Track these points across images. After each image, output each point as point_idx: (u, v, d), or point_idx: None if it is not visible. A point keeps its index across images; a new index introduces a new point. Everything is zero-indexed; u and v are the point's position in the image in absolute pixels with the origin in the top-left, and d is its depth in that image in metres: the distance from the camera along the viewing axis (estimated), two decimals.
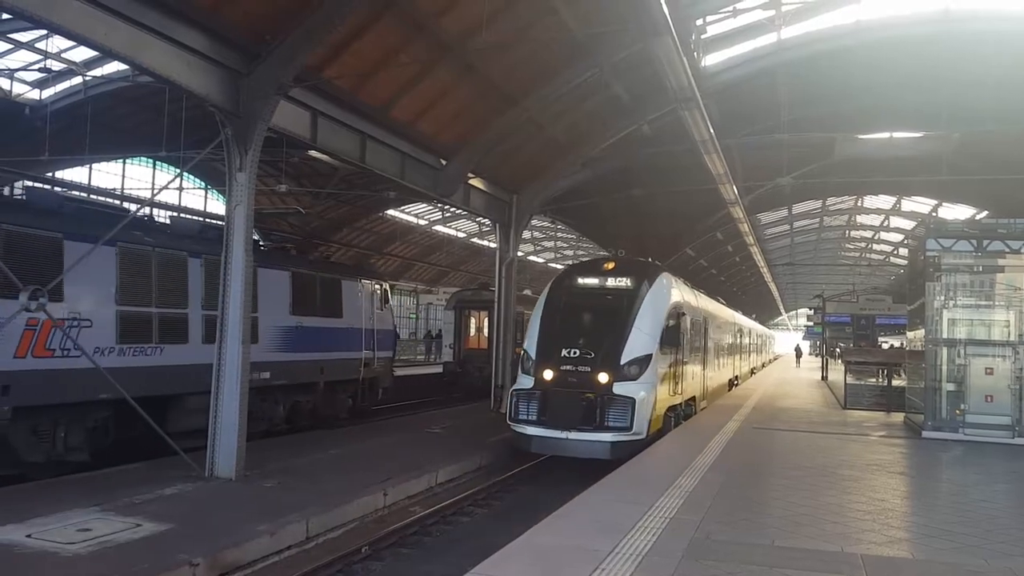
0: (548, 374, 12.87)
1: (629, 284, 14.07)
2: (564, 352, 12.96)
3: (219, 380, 11.04)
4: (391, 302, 21.06)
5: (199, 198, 32.56)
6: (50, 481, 10.39)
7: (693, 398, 16.83)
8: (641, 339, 13.09)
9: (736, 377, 27.50)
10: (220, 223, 18.91)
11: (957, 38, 17.55)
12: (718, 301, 25.60)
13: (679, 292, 15.63)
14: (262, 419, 14.80)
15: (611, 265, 14.75)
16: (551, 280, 15.45)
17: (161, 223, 15.82)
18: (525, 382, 13.09)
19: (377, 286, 19.56)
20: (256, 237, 19.22)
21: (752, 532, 7.10)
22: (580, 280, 14.69)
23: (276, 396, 15.38)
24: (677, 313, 14.74)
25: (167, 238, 13.27)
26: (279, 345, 15.15)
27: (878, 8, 19.79)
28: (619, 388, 12.46)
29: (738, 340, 28.76)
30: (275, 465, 11.80)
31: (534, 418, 12.60)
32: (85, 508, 8.84)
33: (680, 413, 15.29)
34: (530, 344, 13.59)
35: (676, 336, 14.52)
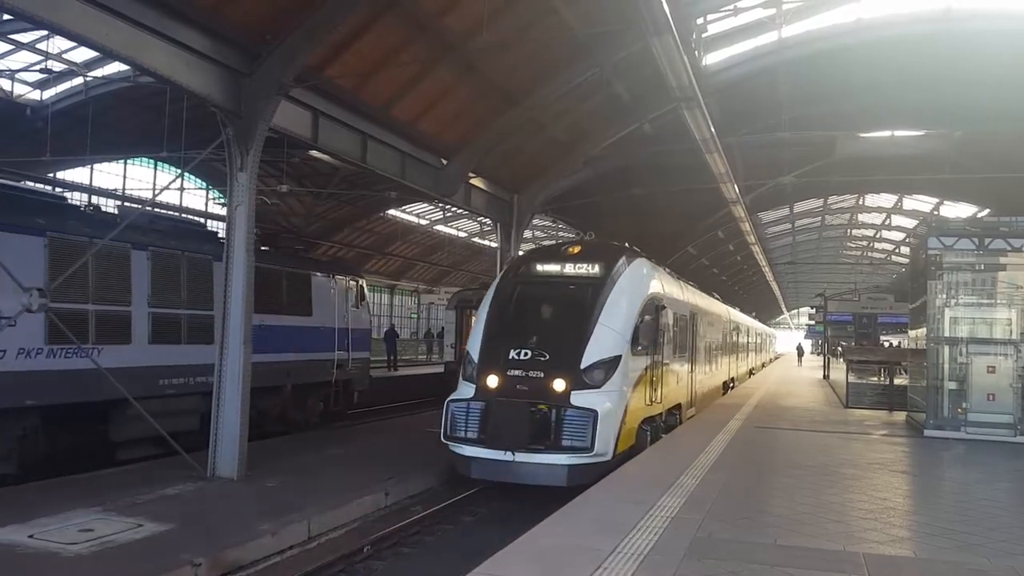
0: (492, 381, 10.66)
1: (596, 271, 11.87)
2: (513, 354, 10.77)
3: (221, 381, 11.06)
4: (368, 299, 20.01)
5: (200, 198, 32.57)
6: (52, 482, 10.39)
7: (678, 406, 14.90)
8: (607, 337, 10.98)
9: (732, 379, 25.86)
10: (173, 214, 18.32)
11: (958, 36, 17.54)
12: (713, 297, 24.00)
13: (659, 282, 13.43)
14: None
15: (576, 249, 12.54)
16: (503, 268, 13.19)
17: (106, 212, 14.64)
18: (465, 391, 10.93)
19: (352, 282, 18.48)
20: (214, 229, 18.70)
21: (754, 531, 7.08)
22: (538, 267, 12.42)
23: None
24: (655, 306, 12.54)
25: (107, 228, 11.88)
26: None
27: (879, 6, 19.84)
28: (578, 398, 10.32)
29: (734, 339, 26.73)
30: (277, 465, 11.81)
31: (474, 435, 10.46)
32: (87, 508, 8.85)
33: (659, 425, 13.18)
34: (473, 345, 11.48)
35: (654, 333, 12.24)
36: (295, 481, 10.82)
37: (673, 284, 15.34)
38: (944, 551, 6.63)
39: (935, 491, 9.88)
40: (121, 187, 28.78)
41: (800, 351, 58.35)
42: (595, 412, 10.18)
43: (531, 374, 10.59)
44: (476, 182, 19.47)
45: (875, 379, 21.89)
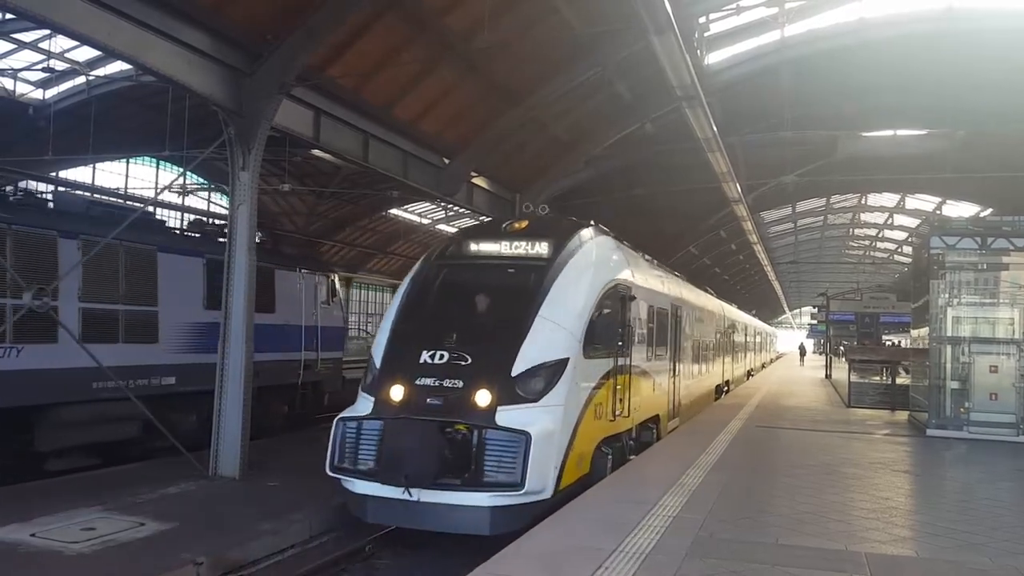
0: (396, 393, 8.32)
1: (542, 252, 9.57)
2: (425, 357, 8.48)
3: (223, 380, 11.09)
4: (340, 295, 18.86)
5: (202, 198, 32.58)
6: (54, 481, 10.41)
7: (655, 418, 12.77)
8: (550, 335, 8.70)
9: (727, 383, 23.93)
10: (113, 200, 17.38)
11: (960, 36, 17.53)
12: (706, 291, 22.11)
13: (628, 267, 11.13)
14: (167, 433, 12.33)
15: (520, 225, 10.24)
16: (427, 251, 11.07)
17: (36, 198, 13.51)
18: (361, 406, 8.57)
19: (322, 278, 17.33)
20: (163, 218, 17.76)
21: (755, 530, 7.08)
22: (470, 247, 10.06)
23: (186, 406, 12.81)
24: (621, 296, 10.26)
25: (30, 213, 11.07)
26: (188, 345, 12.92)
27: (881, 6, 19.82)
28: (506, 416, 7.99)
29: (729, 337, 24.62)
30: (278, 464, 11.81)
31: (369, 466, 8.12)
32: (89, 507, 8.86)
33: (626, 445, 10.95)
34: (378, 345, 9.18)
35: (617, 330, 10.00)
36: (296, 480, 10.81)
37: (649, 271, 13.15)
38: (946, 551, 6.62)
39: (937, 491, 9.87)
40: (124, 186, 28.81)
41: (802, 350, 58.29)
42: (527, 435, 7.82)
43: (447, 383, 8.26)
44: (478, 181, 19.49)
45: (877, 378, 21.88)
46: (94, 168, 27.60)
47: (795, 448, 12.57)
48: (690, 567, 5.88)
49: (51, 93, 22.26)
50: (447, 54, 14.26)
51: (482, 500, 7.84)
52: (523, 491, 7.73)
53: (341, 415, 8.60)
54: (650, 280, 12.72)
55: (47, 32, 18.13)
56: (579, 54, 15.58)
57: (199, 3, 10.29)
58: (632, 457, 10.97)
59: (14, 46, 20.56)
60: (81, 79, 21.38)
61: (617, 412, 10.02)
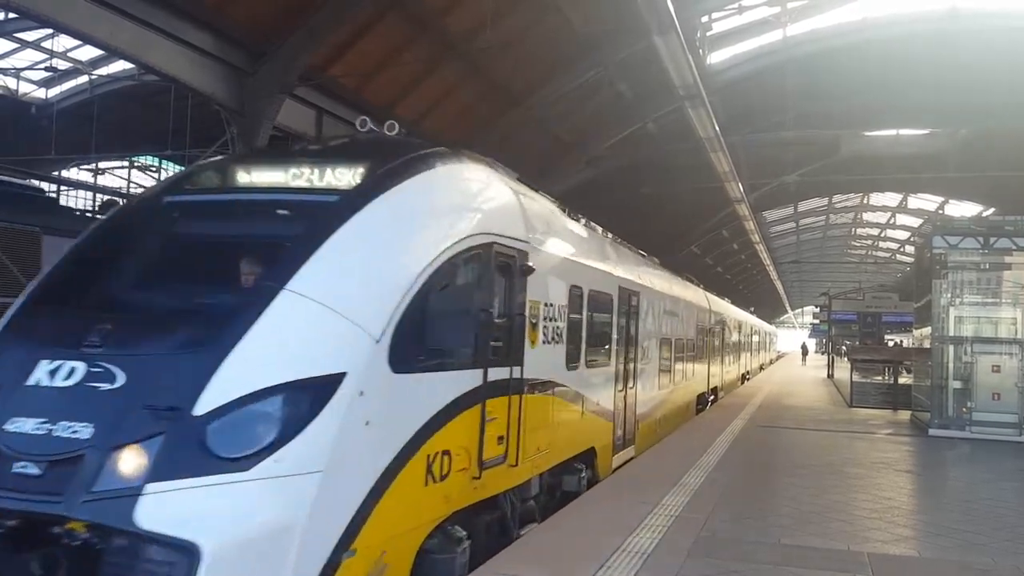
0: None
1: (337, 182, 5.44)
2: (41, 373, 4.25)
3: None
4: None
5: None
6: None
7: (590, 451, 8.94)
8: (306, 326, 4.49)
9: (713, 390, 20.26)
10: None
11: (963, 36, 17.54)
12: (689, 280, 18.37)
13: (521, 218, 6.67)
14: None
15: (332, 144, 6.78)
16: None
17: None
18: None
19: None
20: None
21: (758, 530, 7.07)
22: (224, 174, 5.97)
23: None
24: (499, 264, 6.07)
25: None
26: None
27: (884, 6, 19.80)
28: (160, 505, 3.78)
29: (716, 337, 20.96)
30: None
31: None
32: None
33: (511, 512, 6.76)
34: None
35: (485, 320, 5.85)
36: None
37: (575, 235, 8.75)
38: (949, 551, 6.61)
39: (940, 490, 9.86)
40: (126, 185, 28.86)
41: (804, 350, 58.33)
42: (192, 552, 3.69)
43: (62, 432, 4.04)
44: None
45: (880, 378, 21.86)
46: (96, 167, 27.66)
47: (797, 448, 12.56)
48: (692, 566, 5.88)
49: (54, 92, 22.33)
50: (448, 54, 14.27)
51: None
52: None
53: None
54: (574, 248, 8.33)
55: (50, 31, 18.18)
56: (580, 54, 15.61)
57: (201, 3, 10.32)
58: (521, 534, 6.70)
59: (17, 45, 20.62)
60: (84, 78, 21.44)
61: (488, 462, 5.84)
